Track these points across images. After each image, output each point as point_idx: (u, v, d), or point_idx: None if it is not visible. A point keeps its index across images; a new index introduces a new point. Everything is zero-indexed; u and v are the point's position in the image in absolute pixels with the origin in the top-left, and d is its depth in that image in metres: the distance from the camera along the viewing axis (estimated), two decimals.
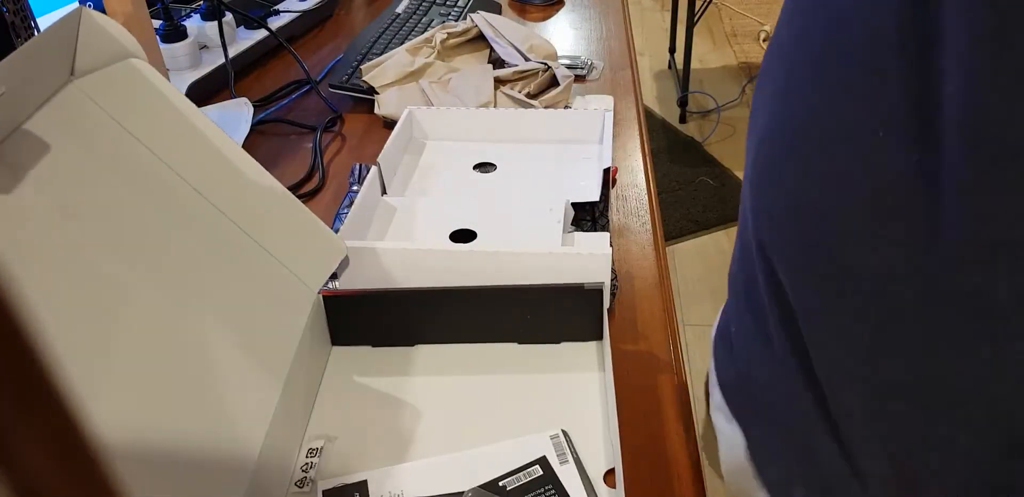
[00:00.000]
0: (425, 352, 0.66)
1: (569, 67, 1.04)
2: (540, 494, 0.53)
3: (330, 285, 0.66)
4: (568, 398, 0.60)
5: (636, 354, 0.65)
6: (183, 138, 0.57)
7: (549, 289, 0.63)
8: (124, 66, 0.55)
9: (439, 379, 0.63)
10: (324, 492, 0.53)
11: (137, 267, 0.51)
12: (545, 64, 0.99)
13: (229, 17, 1.09)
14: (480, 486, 0.53)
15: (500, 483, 0.54)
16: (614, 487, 0.53)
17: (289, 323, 0.59)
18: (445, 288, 0.63)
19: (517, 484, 0.54)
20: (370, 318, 0.65)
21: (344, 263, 0.64)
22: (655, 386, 0.62)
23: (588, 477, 0.54)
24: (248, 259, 0.59)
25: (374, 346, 0.66)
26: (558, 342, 0.65)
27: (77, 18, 0.50)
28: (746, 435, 0.55)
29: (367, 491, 0.53)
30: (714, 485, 0.78)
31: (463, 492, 0.53)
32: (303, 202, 0.70)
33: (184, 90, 0.99)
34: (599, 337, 0.65)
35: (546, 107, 0.94)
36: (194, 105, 0.57)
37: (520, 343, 0.66)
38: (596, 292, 0.62)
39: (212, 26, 1.04)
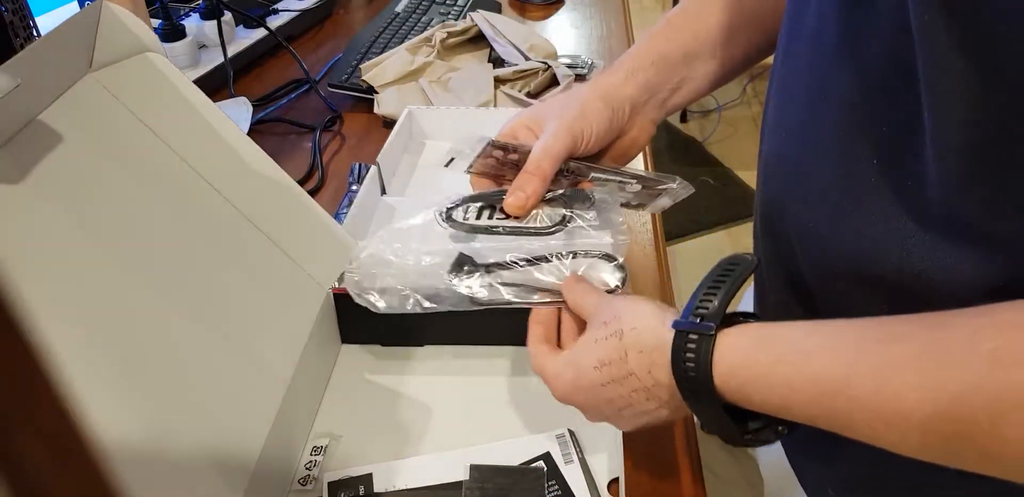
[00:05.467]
0: (435, 352, 0.65)
1: (569, 66, 1.04)
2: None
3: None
4: None
5: None
6: (197, 132, 0.57)
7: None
8: (141, 59, 0.55)
9: (448, 379, 0.63)
10: (329, 484, 0.53)
11: (146, 261, 0.50)
12: (545, 63, 0.99)
13: (228, 16, 1.09)
14: None
15: None
16: None
17: (298, 320, 0.59)
18: None
19: None
20: (380, 317, 0.65)
21: None
22: None
23: (593, 479, 0.54)
24: (259, 254, 0.59)
25: (384, 345, 0.66)
26: None
27: (97, 11, 0.50)
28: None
29: (372, 484, 0.54)
30: (716, 488, 0.78)
31: (468, 473, 0.53)
32: None
33: None
34: None
35: None
36: (209, 100, 0.57)
37: None
38: None
39: (211, 25, 1.04)
